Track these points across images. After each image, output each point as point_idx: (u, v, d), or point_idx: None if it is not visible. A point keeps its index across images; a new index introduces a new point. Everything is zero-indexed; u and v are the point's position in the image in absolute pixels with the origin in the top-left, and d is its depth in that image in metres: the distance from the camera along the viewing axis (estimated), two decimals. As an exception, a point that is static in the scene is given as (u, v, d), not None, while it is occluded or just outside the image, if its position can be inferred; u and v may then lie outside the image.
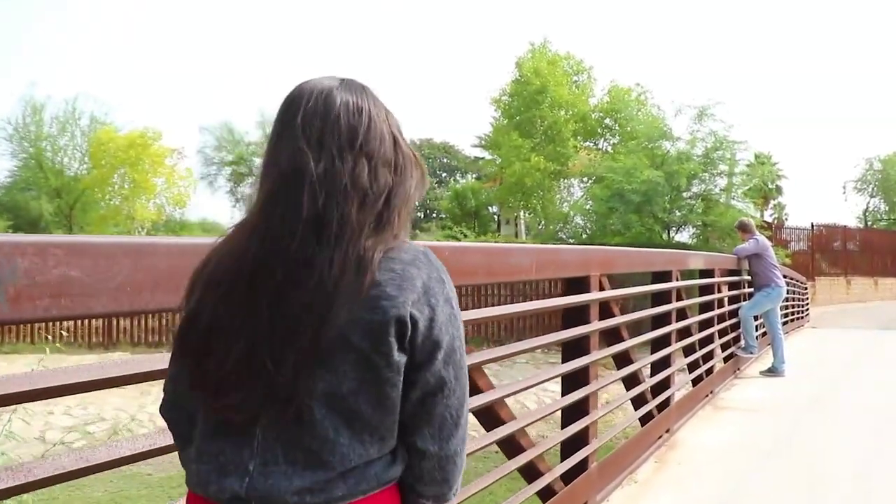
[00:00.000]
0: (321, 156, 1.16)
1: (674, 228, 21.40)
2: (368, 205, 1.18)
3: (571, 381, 4.03)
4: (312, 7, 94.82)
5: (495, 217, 35.88)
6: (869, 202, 48.62)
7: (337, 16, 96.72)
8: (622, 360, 5.23)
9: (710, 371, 7.86)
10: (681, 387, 6.77)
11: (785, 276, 16.23)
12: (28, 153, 30.04)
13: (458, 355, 1.23)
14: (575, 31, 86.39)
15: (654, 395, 5.99)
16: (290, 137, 1.18)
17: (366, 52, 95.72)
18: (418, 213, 67.51)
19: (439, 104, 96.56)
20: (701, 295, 8.03)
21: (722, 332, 9.02)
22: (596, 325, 4.24)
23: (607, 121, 27.99)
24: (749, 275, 9.69)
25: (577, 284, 4.12)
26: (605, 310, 4.57)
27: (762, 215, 55.88)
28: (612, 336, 4.93)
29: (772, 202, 60.71)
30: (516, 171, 25.92)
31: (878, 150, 69.63)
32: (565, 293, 4.10)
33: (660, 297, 6.18)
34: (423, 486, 1.26)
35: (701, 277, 8.02)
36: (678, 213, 20.21)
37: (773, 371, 9.56)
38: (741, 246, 9.59)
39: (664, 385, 6.08)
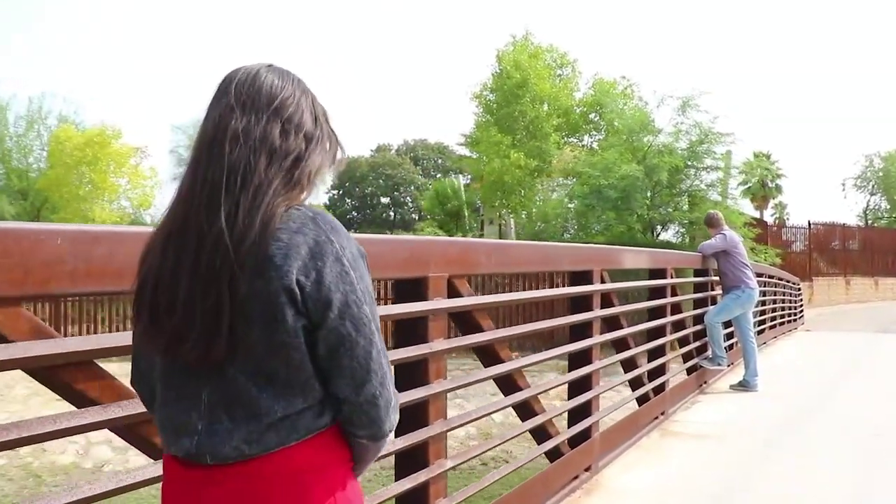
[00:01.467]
0: (242, 115, 1.32)
1: (658, 227, 20.11)
2: (276, 161, 1.32)
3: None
4: (298, 6, 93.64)
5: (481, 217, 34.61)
6: (869, 200, 47.35)
7: (325, 13, 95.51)
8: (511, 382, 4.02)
9: (660, 389, 6.64)
10: (611, 410, 5.55)
11: (771, 276, 15.17)
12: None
13: (354, 309, 1.31)
14: (571, 27, 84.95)
15: (571, 425, 4.80)
16: (219, 102, 1.35)
17: (356, 54, 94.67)
18: (413, 215, 66.45)
19: (435, 105, 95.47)
20: (651, 299, 6.82)
21: (683, 342, 7.81)
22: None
23: (592, 116, 26.72)
24: (717, 275, 8.46)
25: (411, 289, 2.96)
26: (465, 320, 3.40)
27: (762, 215, 54.78)
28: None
29: (772, 201, 59.62)
30: (495, 169, 24.70)
31: (878, 146, 68.50)
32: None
33: (578, 304, 4.96)
34: (354, 427, 1.39)
35: (651, 278, 6.79)
36: (661, 211, 18.93)
37: (744, 385, 8.34)
38: (706, 242, 8.36)
39: (583, 412, 4.86)
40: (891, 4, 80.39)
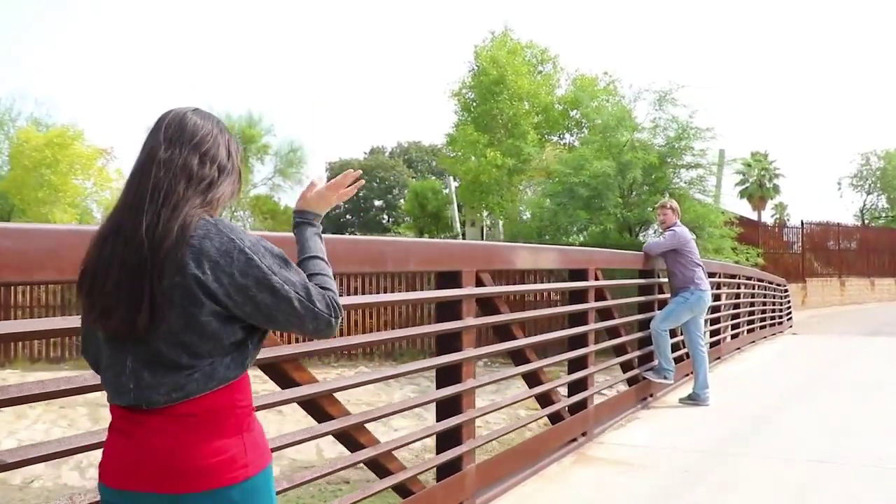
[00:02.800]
0: (168, 148, 1.69)
1: (637, 227, 19.21)
2: (193, 184, 1.68)
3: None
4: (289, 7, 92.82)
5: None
6: (866, 199, 46.39)
7: (319, 15, 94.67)
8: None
9: (580, 406, 5.78)
10: (501, 433, 4.70)
11: (749, 278, 14.26)
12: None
13: (266, 282, 1.65)
14: (559, 22, 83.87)
15: (440, 451, 3.97)
16: (152, 137, 1.71)
17: (350, 56, 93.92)
18: (407, 218, 65.91)
19: (430, 107, 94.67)
20: (572, 302, 5.96)
21: (620, 350, 6.96)
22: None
23: (574, 113, 25.80)
24: (667, 276, 7.59)
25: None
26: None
27: (760, 216, 53.90)
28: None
29: (771, 202, 58.69)
30: (472, 168, 23.83)
31: (874, 145, 67.47)
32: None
33: (443, 310, 4.12)
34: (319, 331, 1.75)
35: (572, 279, 5.94)
36: (637, 210, 18.02)
37: (693, 399, 7.48)
38: (652, 241, 7.47)
39: (452, 438, 4.02)
40: (886, 3, 79.43)
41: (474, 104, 25.92)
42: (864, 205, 46.28)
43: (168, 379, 1.64)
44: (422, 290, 14.58)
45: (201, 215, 1.66)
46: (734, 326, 12.75)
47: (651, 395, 7.54)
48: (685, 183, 18.49)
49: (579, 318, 5.90)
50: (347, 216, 67.09)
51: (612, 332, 6.76)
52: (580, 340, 5.88)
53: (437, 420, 4.11)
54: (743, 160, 55.17)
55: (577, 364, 5.87)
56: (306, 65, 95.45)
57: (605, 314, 6.53)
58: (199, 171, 1.69)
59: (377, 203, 68.32)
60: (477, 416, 4.24)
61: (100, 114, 74.92)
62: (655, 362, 7.37)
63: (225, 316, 1.66)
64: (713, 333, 11.52)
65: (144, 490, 1.66)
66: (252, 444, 1.73)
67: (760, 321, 15.52)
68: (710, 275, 8.51)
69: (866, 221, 44.03)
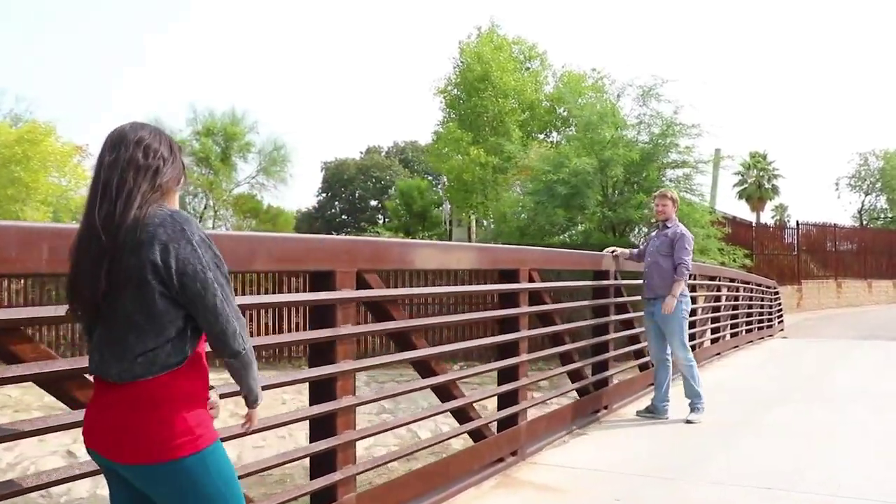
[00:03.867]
0: (112, 151, 1.95)
1: (623, 227, 18.54)
2: (141, 172, 1.93)
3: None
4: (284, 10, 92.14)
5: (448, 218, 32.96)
6: (864, 200, 45.68)
7: (311, 16, 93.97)
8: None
9: (510, 421, 5.16)
10: (389, 459, 4.08)
11: (732, 280, 13.59)
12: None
13: (201, 274, 1.92)
14: (550, 18, 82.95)
15: (315, 476, 3.35)
16: (102, 148, 1.98)
17: (347, 57, 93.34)
18: (385, 218, 64.89)
19: (426, 106, 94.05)
20: (503, 306, 5.34)
21: (566, 359, 6.34)
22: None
23: (561, 111, 25.14)
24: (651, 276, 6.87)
25: None
26: None
27: (759, 217, 53.17)
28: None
29: (769, 203, 57.96)
30: (454, 167, 23.19)
31: (872, 145, 66.61)
32: None
33: (315, 314, 3.51)
34: (218, 352, 2.03)
35: (502, 281, 5.31)
36: (619, 210, 17.34)
37: (651, 412, 6.86)
38: (684, 255, 6.62)
39: (325, 463, 3.41)
40: (886, 2, 78.73)
41: (459, 101, 25.27)
42: (863, 205, 45.58)
43: (119, 360, 1.90)
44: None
45: (159, 205, 1.93)
46: (714, 331, 12.13)
47: (605, 408, 6.92)
48: (670, 181, 17.80)
49: (510, 325, 5.28)
50: (343, 216, 66.48)
51: (558, 339, 6.14)
52: (510, 349, 5.26)
53: (311, 441, 3.51)
54: (741, 160, 54.54)
55: (507, 375, 5.25)
56: (301, 63, 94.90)
57: (546, 319, 5.92)
58: (144, 162, 1.94)
59: (373, 203, 67.64)
60: (358, 438, 3.63)
61: (86, 111, 74.06)
62: (691, 401, 6.72)
63: (169, 297, 1.91)
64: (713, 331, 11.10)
65: (104, 455, 1.97)
66: (185, 428, 1.94)
67: (746, 325, 14.91)
68: (709, 278, 7.90)
69: (864, 222, 43.34)
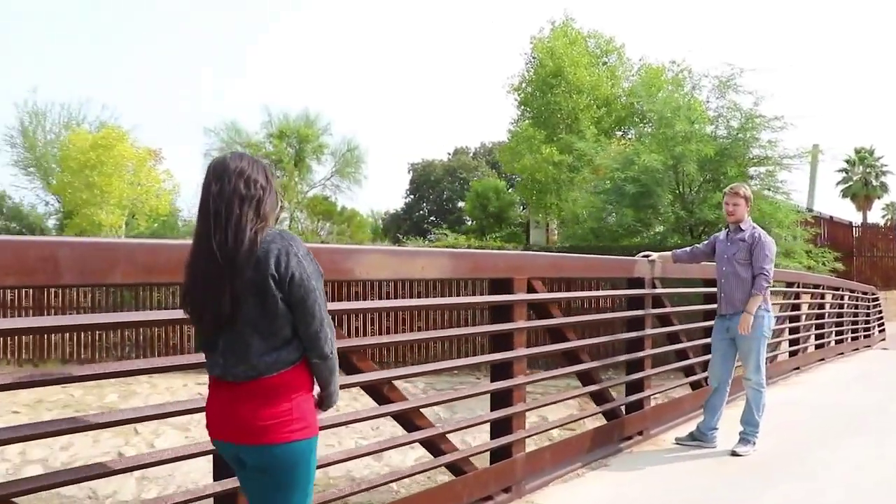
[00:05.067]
0: (217, 183, 2.23)
1: (700, 229, 17.30)
2: (246, 203, 2.22)
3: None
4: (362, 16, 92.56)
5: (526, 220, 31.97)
6: None
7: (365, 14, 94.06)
8: None
9: (503, 453, 4.43)
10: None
11: (817, 286, 12.29)
12: (25, 160, 28.70)
13: (304, 283, 2.25)
14: (626, 10, 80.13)
15: None
16: (204, 181, 2.26)
17: (433, 60, 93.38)
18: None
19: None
20: (494, 321, 4.60)
21: (586, 379, 5.55)
22: None
23: (639, 106, 23.89)
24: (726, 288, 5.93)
25: None
26: None
27: (866, 216, 50.07)
28: None
29: (878, 201, 54.45)
30: (526, 166, 22.35)
31: None
32: None
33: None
34: (308, 352, 2.32)
35: (494, 292, 4.58)
36: (695, 210, 16.13)
37: (697, 438, 5.98)
38: (765, 262, 5.66)
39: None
40: None
41: (533, 98, 24.42)
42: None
43: (246, 361, 2.25)
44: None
45: (269, 226, 2.29)
46: (792, 343, 10.99)
47: (640, 434, 6.08)
48: (752, 178, 16.48)
49: (502, 343, 4.54)
50: (432, 218, 66.37)
51: (573, 356, 5.36)
52: (503, 370, 4.53)
53: (491, 410, 2.90)
54: (845, 156, 51.48)
55: (500, 399, 4.52)
56: (381, 64, 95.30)
57: (556, 335, 5.16)
58: (247, 192, 2.24)
59: (460, 204, 67.27)
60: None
61: (164, 116, 76.02)
62: (743, 429, 5.78)
63: (287, 302, 2.25)
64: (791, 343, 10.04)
65: (227, 440, 2.34)
66: (300, 416, 2.30)
67: (837, 335, 13.59)
68: (787, 284, 6.92)
69: None
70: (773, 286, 9.98)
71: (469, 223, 32.71)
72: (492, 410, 4.54)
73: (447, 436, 4.04)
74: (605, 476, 5.13)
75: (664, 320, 6.71)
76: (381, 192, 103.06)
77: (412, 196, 67.39)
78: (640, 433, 6.08)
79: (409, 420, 3.82)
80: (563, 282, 7.02)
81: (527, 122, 23.74)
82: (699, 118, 17.19)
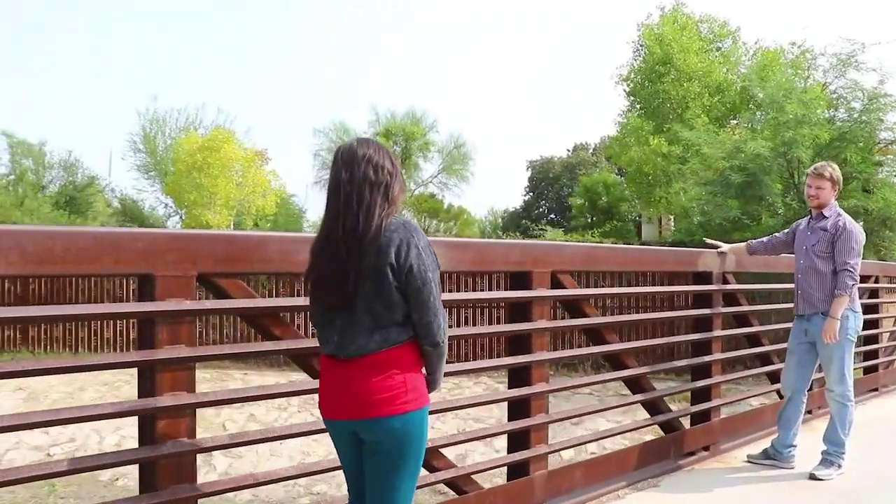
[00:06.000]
0: (347, 170, 2.34)
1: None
2: (374, 187, 2.33)
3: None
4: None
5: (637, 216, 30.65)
6: None
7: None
8: None
9: (521, 469, 3.91)
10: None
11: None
12: (147, 164, 30.04)
13: (422, 273, 2.33)
14: None
15: None
16: (333, 168, 2.39)
17: (550, 56, 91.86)
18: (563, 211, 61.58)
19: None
20: (511, 318, 4.08)
21: (636, 386, 4.92)
22: None
23: (756, 92, 22.33)
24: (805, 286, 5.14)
25: None
26: None
27: None
28: None
29: None
30: (633, 158, 21.32)
31: None
32: None
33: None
34: (421, 339, 2.41)
35: (514, 288, 4.06)
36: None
37: (771, 457, 5.24)
38: (848, 255, 4.91)
39: None
40: None
41: (641, 88, 23.32)
42: None
43: (358, 340, 2.35)
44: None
45: (393, 216, 2.37)
46: (868, 356, 9.66)
47: (706, 449, 5.39)
48: (880, 165, 14.97)
49: (520, 344, 4.02)
50: (551, 216, 65.48)
51: (616, 361, 4.75)
52: (521, 375, 4.01)
53: (508, 420, 2.57)
54: None
55: (518, 408, 4.01)
56: (505, 64, 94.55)
57: (598, 338, 4.58)
58: (375, 178, 2.34)
59: (579, 201, 65.99)
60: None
61: (275, 117, 77.64)
62: (830, 448, 5.02)
63: (401, 290, 2.33)
64: (866, 356, 8.66)
65: (340, 418, 2.42)
66: (412, 388, 2.39)
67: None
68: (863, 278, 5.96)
69: None
70: (881, 283, 8.94)
71: (580, 219, 31.69)
72: (509, 421, 4.04)
73: (440, 450, 3.57)
74: (650, 498, 4.51)
75: (742, 320, 5.98)
76: (502, 191, 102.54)
77: (531, 194, 66.70)
78: (707, 448, 5.39)
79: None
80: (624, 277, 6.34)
81: (635, 112, 22.64)
82: (815, 101, 15.77)
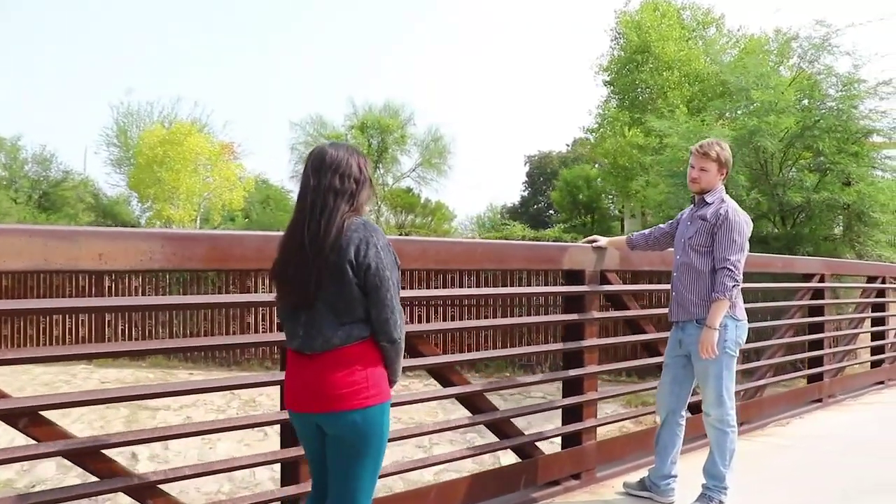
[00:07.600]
0: (314, 176, 2.47)
1: (796, 214, 15.01)
2: (340, 196, 2.45)
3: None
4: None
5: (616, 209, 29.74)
6: None
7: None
8: None
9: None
10: None
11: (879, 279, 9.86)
12: (120, 158, 29.37)
13: (380, 272, 2.43)
14: None
15: None
16: (304, 172, 2.52)
17: (552, 45, 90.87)
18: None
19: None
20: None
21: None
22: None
23: (729, 79, 21.37)
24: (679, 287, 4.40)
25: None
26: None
27: None
28: None
29: None
30: (608, 150, 20.44)
31: None
32: None
33: None
34: (378, 336, 2.49)
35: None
36: (780, 192, 13.88)
37: (647, 489, 4.42)
38: (729, 247, 4.02)
39: None
40: None
41: (617, 78, 22.44)
42: None
43: (322, 335, 2.44)
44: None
45: (353, 217, 2.46)
46: (876, 351, 8.96)
47: (576, 477, 4.57)
48: (849, 155, 14.08)
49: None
50: (550, 212, 64.71)
51: (439, 375, 3.95)
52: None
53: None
54: None
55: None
56: (502, 61, 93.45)
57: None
58: (342, 187, 2.45)
59: (558, 196, 65.08)
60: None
61: (253, 111, 76.75)
62: (705, 482, 4.20)
63: (361, 287, 2.43)
64: (811, 362, 7.80)
65: (304, 411, 2.51)
66: (374, 383, 2.47)
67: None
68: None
69: None
70: (851, 282, 8.13)
71: (561, 214, 30.85)
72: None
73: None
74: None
75: (636, 326, 5.16)
76: (502, 187, 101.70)
77: (529, 189, 65.90)
78: (577, 476, 4.57)
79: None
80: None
81: (613, 103, 21.77)
82: (782, 86, 14.89)
